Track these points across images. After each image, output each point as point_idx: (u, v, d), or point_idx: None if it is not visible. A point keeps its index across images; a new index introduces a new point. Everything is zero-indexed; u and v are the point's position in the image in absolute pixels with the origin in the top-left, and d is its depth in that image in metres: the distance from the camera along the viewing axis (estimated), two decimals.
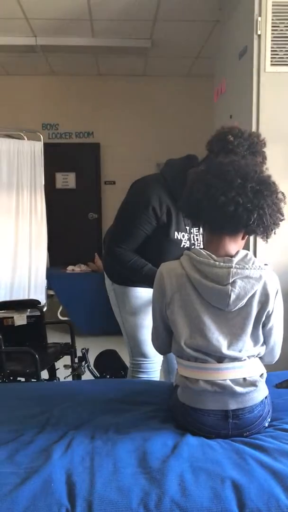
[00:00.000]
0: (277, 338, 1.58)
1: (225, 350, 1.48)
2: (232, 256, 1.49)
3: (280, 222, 1.51)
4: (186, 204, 1.56)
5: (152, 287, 2.08)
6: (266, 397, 1.56)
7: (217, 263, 1.46)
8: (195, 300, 1.49)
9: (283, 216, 1.51)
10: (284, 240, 2.90)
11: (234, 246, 1.52)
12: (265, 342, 1.56)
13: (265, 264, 1.52)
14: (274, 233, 1.53)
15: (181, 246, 2.11)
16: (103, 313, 3.43)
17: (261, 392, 1.54)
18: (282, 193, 1.51)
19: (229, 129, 1.86)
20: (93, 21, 4.82)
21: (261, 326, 1.52)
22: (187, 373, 1.55)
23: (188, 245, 2.12)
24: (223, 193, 1.42)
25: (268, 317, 1.51)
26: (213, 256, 1.49)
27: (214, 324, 1.48)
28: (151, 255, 2.07)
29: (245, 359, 1.52)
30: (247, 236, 1.56)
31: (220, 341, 1.48)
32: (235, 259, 1.47)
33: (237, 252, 1.50)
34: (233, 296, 1.44)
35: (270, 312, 1.51)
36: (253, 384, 1.51)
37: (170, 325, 1.55)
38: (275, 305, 1.52)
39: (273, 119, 2.97)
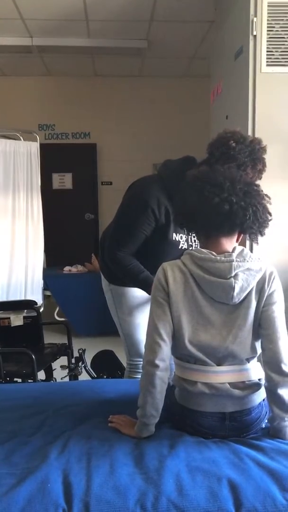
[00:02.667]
0: (280, 324, 1.51)
1: (228, 343, 1.48)
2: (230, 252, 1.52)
3: (269, 222, 1.54)
4: (180, 213, 1.61)
5: (146, 292, 2.09)
6: (263, 399, 1.56)
7: (219, 257, 1.48)
8: (199, 296, 1.50)
9: (271, 216, 1.55)
10: (280, 240, 2.91)
11: (230, 246, 1.55)
12: (270, 329, 1.50)
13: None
14: (263, 234, 1.55)
15: (179, 247, 2.11)
16: (100, 313, 3.42)
17: (259, 395, 1.54)
18: (267, 195, 1.55)
19: (231, 134, 1.86)
20: (89, 22, 4.82)
21: (261, 312, 1.50)
22: (185, 375, 1.55)
23: (186, 247, 2.12)
24: (216, 194, 1.47)
25: (268, 297, 1.50)
26: (213, 252, 1.51)
27: (218, 319, 1.50)
28: (150, 257, 2.07)
29: (245, 362, 1.52)
30: (241, 237, 1.58)
31: (224, 335, 1.49)
32: (234, 254, 1.50)
33: (233, 248, 1.53)
34: (237, 289, 1.46)
35: (268, 293, 1.50)
36: (251, 387, 1.52)
37: (173, 323, 1.53)
38: (271, 286, 1.50)
39: (269, 119, 2.98)
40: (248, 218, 1.47)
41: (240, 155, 1.81)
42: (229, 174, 1.54)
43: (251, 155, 1.83)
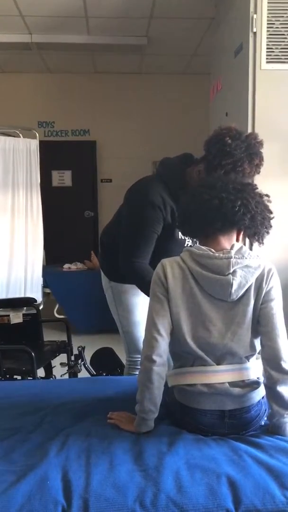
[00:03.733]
0: (278, 321, 1.51)
1: (227, 340, 1.49)
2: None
3: (270, 219, 1.55)
4: (179, 219, 1.68)
5: None
6: (262, 397, 1.56)
7: (217, 254, 1.49)
8: (197, 293, 1.50)
9: (271, 213, 1.56)
10: (279, 238, 2.91)
11: (229, 244, 1.55)
12: (268, 327, 1.50)
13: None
14: (267, 233, 1.56)
15: (185, 246, 2.10)
16: (99, 311, 3.42)
17: (258, 393, 1.54)
18: (267, 194, 1.57)
19: (227, 130, 1.86)
20: (88, 18, 4.80)
21: (260, 309, 1.50)
22: (183, 381, 1.54)
23: (192, 245, 2.12)
24: (207, 193, 1.53)
25: (266, 294, 1.50)
26: (212, 249, 1.52)
27: (217, 315, 1.50)
28: (157, 257, 2.06)
29: (244, 361, 1.52)
30: (241, 235, 1.59)
31: (222, 332, 1.49)
32: (233, 251, 1.51)
33: (232, 246, 1.53)
34: (235, 286, 1.46)
35: (266, 290, 1.50)
36: (251, 386, 1.52)
37: (172, 319, 1.53)
38: (270, 283, 1.51)
39: (268, 117, 2.98)
40: (238, 210, 1.49)
41: (237, 151, 1.81)
42: (225, 178, 1.59)
43: (248, 150, 1.82)
